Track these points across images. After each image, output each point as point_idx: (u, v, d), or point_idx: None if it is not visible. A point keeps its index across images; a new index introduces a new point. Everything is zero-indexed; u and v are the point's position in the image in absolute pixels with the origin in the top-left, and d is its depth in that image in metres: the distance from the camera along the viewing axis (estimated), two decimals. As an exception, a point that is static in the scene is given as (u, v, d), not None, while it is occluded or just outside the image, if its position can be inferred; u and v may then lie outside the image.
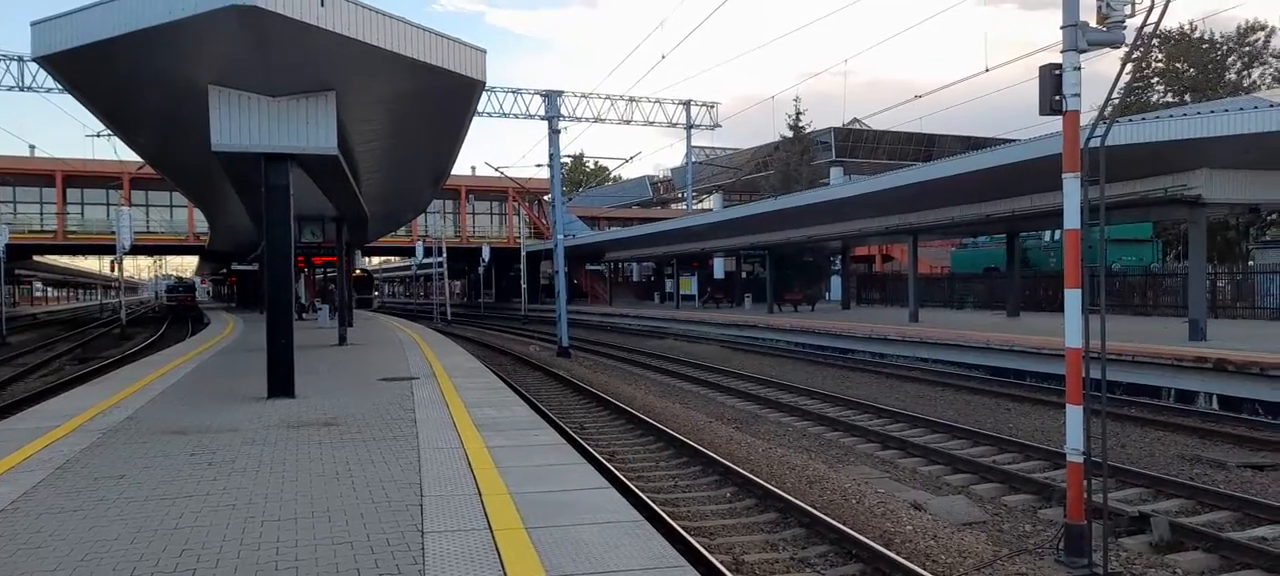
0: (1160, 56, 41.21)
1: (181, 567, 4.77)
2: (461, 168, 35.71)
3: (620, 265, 64.36)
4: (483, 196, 63.09)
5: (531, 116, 39.49)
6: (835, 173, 56.57)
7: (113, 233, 39.68)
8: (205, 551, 5.05)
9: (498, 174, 50.65)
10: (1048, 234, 34.97)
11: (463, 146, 17.32)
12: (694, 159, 57.48)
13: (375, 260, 62.92)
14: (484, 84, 11.73)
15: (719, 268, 53.82)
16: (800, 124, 58.71)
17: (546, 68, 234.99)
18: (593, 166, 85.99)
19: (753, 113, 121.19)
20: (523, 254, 55.92)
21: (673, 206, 78.56)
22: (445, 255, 52.13)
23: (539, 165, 41.30)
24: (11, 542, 5.23)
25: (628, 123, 44.75)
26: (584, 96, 42.91)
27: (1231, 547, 7.55)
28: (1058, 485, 9.10)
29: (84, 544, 5.20)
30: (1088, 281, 7.21)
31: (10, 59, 37.47)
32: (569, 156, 67.93)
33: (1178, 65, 41.52)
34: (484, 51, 11.16)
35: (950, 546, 7.54)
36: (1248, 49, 40.94)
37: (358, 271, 57.81)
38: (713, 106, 48.31)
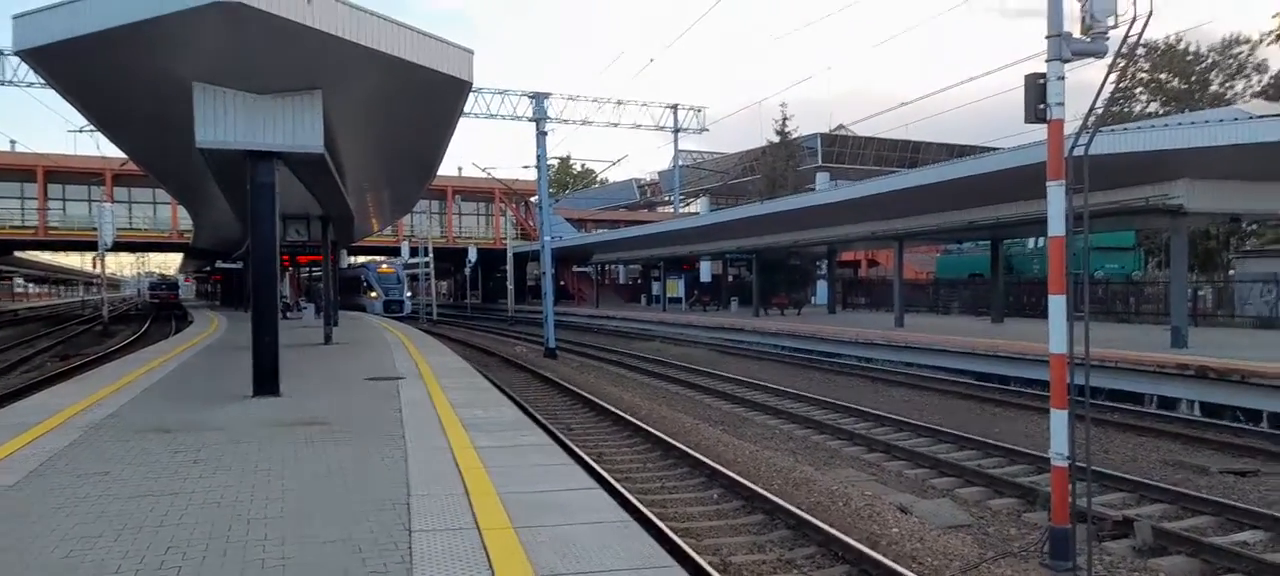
0: (1145, 67, 41.59)
1: (167, 565, 4.74)
2: (448, 168, 35.55)
3: (607, 267, 64.29)
4: (469, 197, 62.94)
5: (519, 118, 39.37)
6: (821, 178, 56.85)
7: (95, 229, 39.30)
8: (190, 549, 5.02)
9: (485, 175, 50.58)
10: (1032, 241, 35.20)
11: (449, 146, 17.28)
12: (681, 162, 57.57)
13: (360, 259, 62.44)
14: (471, 84, 11.70)
15: (706, 271, 53.86)
16: (787, 129, 58.87)
17: (534, 70, 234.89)
18: (580, 169, 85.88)
19: (740, 117, 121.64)
20: (509, 255, 55.78)
21: (659, 210, 78.63)
22: (432, 255, 51.93)
23: (526, 166, 41.31)
24: (-7, 539, 5.17)
25: (615, 125, 44.73)
26: (571, 99, 42.85)
27: (1213, 552, 7.63)
28: (1042, 489, 9.17)
29: (67, 541, 5.15)
30: (1072, 288, 7.27)
31: (-8, 52, 37.01)
32: (556, 158, 67.87)
33: (1162, 76, 41.93)
34: (471, 52, 11.14)
35: (936, 549, 7.59)
36: (1231, 61, 41.40)
37: (348, 269, 57.24)
38: (700, 110, 48.31)
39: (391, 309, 46.82)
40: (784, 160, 58.09)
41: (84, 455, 7.55)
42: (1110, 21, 7.01)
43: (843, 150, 61.08)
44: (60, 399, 11.17)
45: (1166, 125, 17.30)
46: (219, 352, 18.74)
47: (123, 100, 12.15)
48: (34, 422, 9.10)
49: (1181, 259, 19.24)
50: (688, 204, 68.05)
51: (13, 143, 54.49)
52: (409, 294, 50.53)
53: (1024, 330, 22.98)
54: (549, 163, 30.83)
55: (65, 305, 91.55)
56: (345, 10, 9.41)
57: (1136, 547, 7.88)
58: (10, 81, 37.26)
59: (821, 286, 46.63)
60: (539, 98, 29.95)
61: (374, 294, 48.88)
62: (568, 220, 67.48)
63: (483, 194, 62.17)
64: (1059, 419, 7.19)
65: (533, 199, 52.98)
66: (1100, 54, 7.19)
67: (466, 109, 17.42)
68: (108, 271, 45.52)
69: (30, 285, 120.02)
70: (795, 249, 37.08)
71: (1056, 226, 7.23)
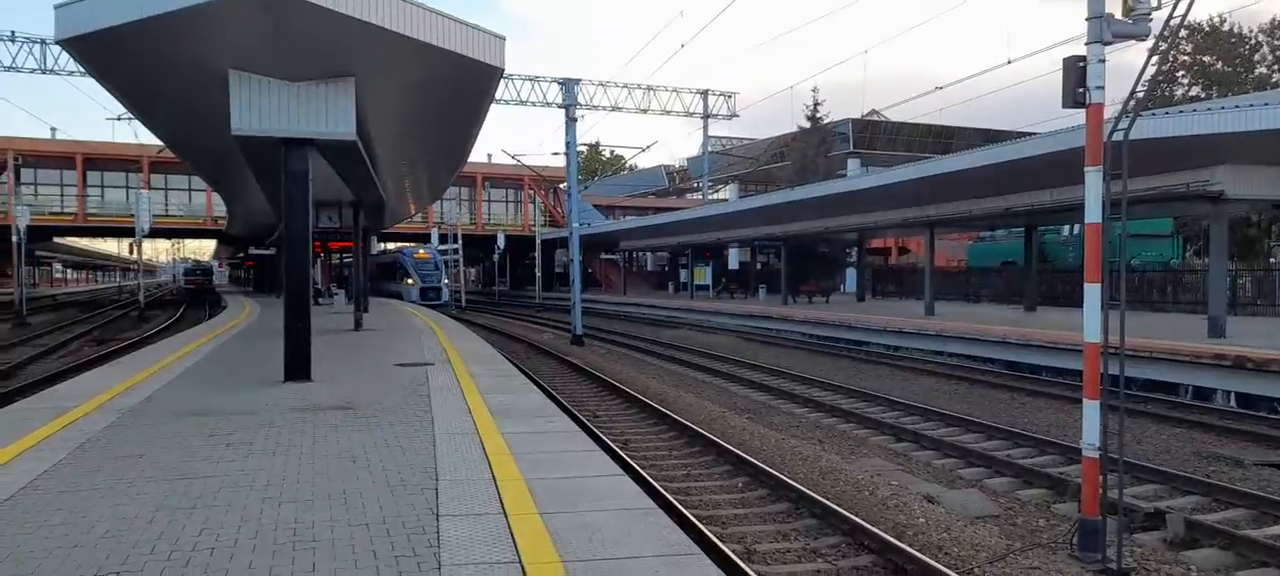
0: (1188, 49, 40.66)
1: (201, 545, 4.84)
2: (478, 155, 35.88)
3: (635, 254, 64.36)
4: (499, 184, 63.21)
5: (549, 104, 39.45)
6: (852, 164, 56.35)
7: (132, 215, 40.03)
8: (224, 530, 5.12)
9: (514, 162, 50.73)
10: (1067, 228, 34.69)
11: (480, 133, 17.35)
12: (710, 149, 57.36)
13: (392, 245, 62.95)
14: (503, 71, 11.72)
15: (734, 258, 53.73)
16: (818, 115, 58.41)
17: (564, 55, 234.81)
18: (609, 155, 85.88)
19: (771, 103, 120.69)
20: (538, 242, 55.99)
21: (688, 196, 78.44)
22: (461, 242, 52.23)
23: (555, 153, 41.47)
24: (34, 519, 5.31)
25: (645, 112, 44.65)
26: (601, 85, 42.86)
27: (1247, 545, 7.50)
28: (1072, 480, 9.07)
29: (104, 520, 5.27)
30: (1108, 276, 7.16)
31: (34, 42, 37.76)
32: (585, 145, 67.89)
33: (1205, 58, 40.99)
34: (503, 38, 11.16)
35: (963, 539, 7.53)
36: (1279, 43, 40.39)
37: (384, 254, 57.36)
38: (730, 96, 48.12)
39: (428, 296, 44.87)
40: (815, 146, 57.68)
41: (121, 438, 7.71)
42: (1153, 2, 6.86)
43: (875, 136, 60.46)
44: (97, 383, 11.41)
45: (1208, 109, 16.92)
46: (251, 338, 19.02)
47: (160, 88, 12.35)
48: (72, 406, 9.30)
49: (1221, 247, 18.88)
50: (717, 190, 67.78)
51: (53, 130, 55.60)
52: (446, 281, 48.45)
53: (1057, 319, 22.68)
54: (578, 149, 30.82)
55: (102, 290, 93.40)
56: (378, -4, 9.47)
57: (1168, 540, 7.77)
58: (52, 70, 38.00)
59: (851, 274, 46.31)
60: (569, 84, 29.93)
61: (411, 281, 46.65)
62: (596, 207, 67.56)
63: (512, 181, 62.41)
64: (1091, 409, 7.10)
65: (562, 185, 53.13)
66: (1142, 36, 7.04)
67: (497, 95, 17.46)
68: (144, 257, 46.31)
69: (69, 271, 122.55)
70: (825, 236, 36.84)
71: (1093, 213, 7.11)
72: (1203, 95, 38.27)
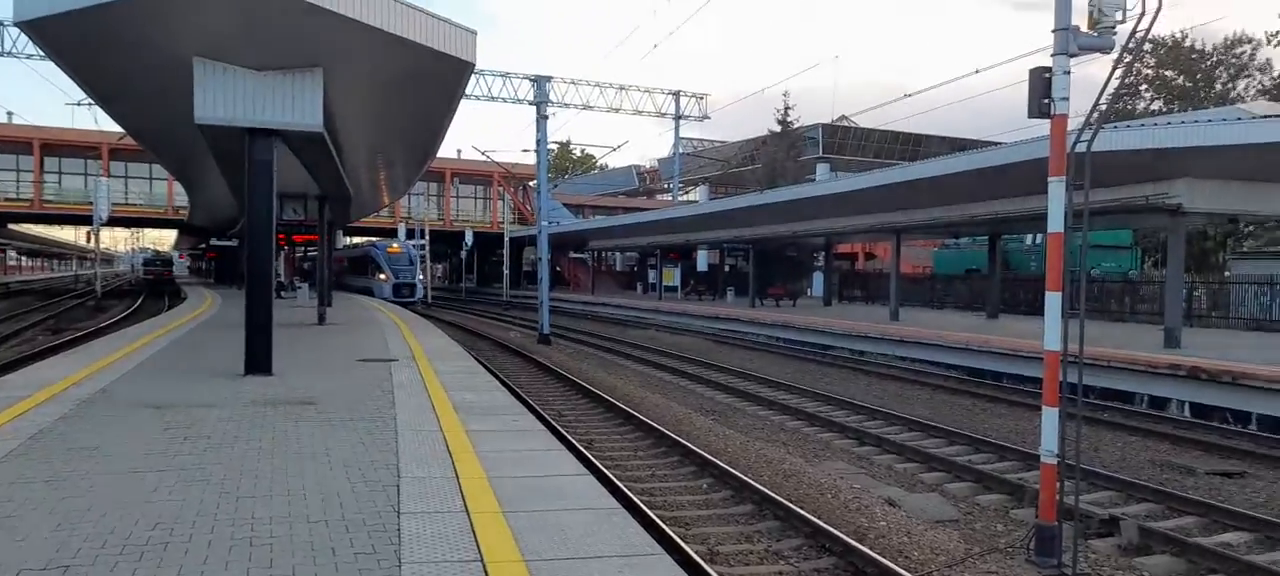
0: (1151, 64, 41.46)
1: (155, 541, 4.74)
2: (447, 150, 35.47)
3: (604, 254, 64.25)
4: (468, 180, 62.78)
5: (520, 101, 39.22)
6: (822, 169, 56.78)
7: (90, 203, 39.18)
8: (179, 525, 5.02)
9: (484, 158, 50.35)
10: (1029, 238, 35.22)
11: (449, 128, 17.23)
12: (682, 150, 57.44)
13: (357, 239, 62.28)
14: (474, 66, 11.67)
15: (702, 260, 53.84)
16: (789, 119, 58.78)
17: (536, 52, 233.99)
18: (579, 154, 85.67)
19: (743, 106, 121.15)
20: (506, 239, 55.74)
21: (658, 197, 78.55)
22: (428, 238, 51.80)
23: (526, 150, 41.19)
24: (-19, 511, 5.17)
25: (616, 111, 44.54)
26: (573, 83, 42.69)
27: (1198, 552, 7.66)
28: (1030, 486, 9.20)
29: (56, 514, 5.15)
30: (1068, 286, 7.27)
31: (-10, 22, 36.80)
32: (556, 143, 67.63)
33: (1167, 73, 41.82)
34: (474, 33, 11.11)
35: (923, 543, 7.61)
36: (1234, 60, 41.33)
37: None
38: (702, 98, 48.16)
39: (402, 293, 42.91)
40: (785, 150, 58.07)
41: (75, 429, 7.55)
42: (1118, 16, 6.98)
43: (845, 141, 61.04)
44: (51, 373, 11.15)
45: (1168, 123, 17.29)
46: (212, 330, 18.71)
47: (122, 74, 12.10)
48: (24, 396, 9.08)
49: (1178, 259, 19.27)
50: (687, 192, 67.95)
51: (10, 114, 54.16)
52: (420, 277, 46.65)
53: (1018, 327, 23.02)
54: (549, 147, 30.72)
55: (58, 279, 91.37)
56: (347, -13, 9.37)
57: (1122, 546, 7.91)
58: (9, 53, 37.05)
59: (818, 278, 46.65)
60: (541, 81, 29.80)
61: (383, 276, 44.55)
62: (566, 205, 67.37)
63: (481, 177, 62.02)
64: (1050, 416, 7.21)
65: (531, 183, 52.90)
66: (1107, 49, 7.16)
67: (467, 91, 17.31)
68: (102, 246, 45.30)
69: (23, 258, 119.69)
70: (793, 240, 37.06)
71: (1056, 223, 7.21)
72: (1164, 110, 39.05)
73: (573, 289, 62.26)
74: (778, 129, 59.04)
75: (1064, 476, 7.18)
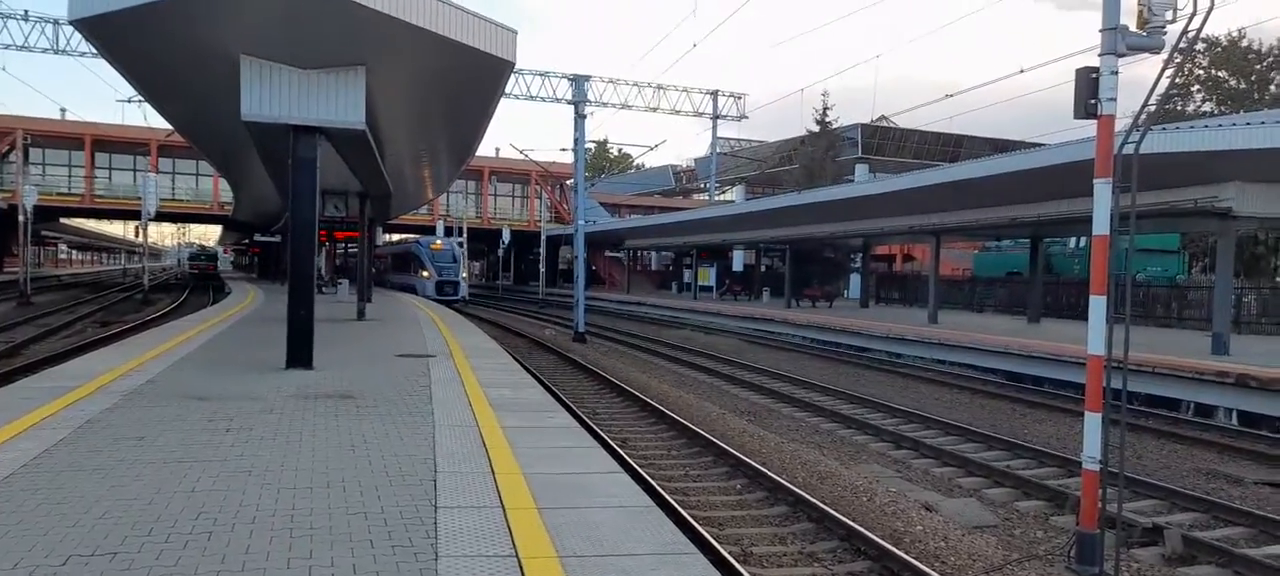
0: (1203, 64, 40.45)
1: (199, 529, 4.84)
2: (485, 149, 35.70)
3: (639, 253, 64.33)
4: (505, 178, 63.23)
5: (558, 100, 39.42)
6: (860, 170, 56.28)
7: (138, 198, 40.08)
8: (222, 514, 5.12)
9: (522, 156, 50.61)
10: (1073, 240, 34.60)
11: (488, 126, 17.35)
12: (719, 150, 57.32)
13: (396, 237, 62.97)
14: (514, 65, 11.73)
15: (738, 260, 53.68)
16: (827, 119, 58.35)
17: (574, 51, 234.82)
18: (616, 153, 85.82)
19: (780, 105, 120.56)
20: (543, 237, 55.99)
21: (695, 197, 78.42)
22: (466, 235, 52.22)
23: (563, 149, 41.35)
24: (33, 497, 5.32)
25: (654, 110, 44.64)
26: (611, 82, 42.87)
27: (1245, 563, 7.48)
28: (1071, 492, 9.04)
29: (104, 501, 5.28)
30: (1113, 290, 7.13)
31: (46, 21, 37.88)
32: (593, 142, 67.78)
33: (1220, 74, 40.78)
34: (515, 32, 11.16)
35: (960, 548, 7.52)
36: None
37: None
38: (740, 98, 48.08)
39: (445, 291, 41.14)
40: (823, 150, 57.64)
41: (121, 420, 7.73)
42: (1168, 15, 6.83)
43: (883, 142, 60.40)
44: (100, 364, 11.43)
45: (1219, 125, 16.87)
46: (254, 324, 19.05)
47: (171, 71, 12.36)
48: (74, 387, 9.32)
49: (1227, 264, 18.82)
50: (723, 192, 67.75)
51: (63, 111, 55.56)
52: (463, 275, 44.27)
53: (1061, 331, 22.64)
54: (586, 146, 30.82)
55: (106, 273, 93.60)
56: (390, -14, 9.48)
57: (1166, 555, 7.75)
58: (64, 50, 38.10)
59: (855, 279, 46.26)
60: (579, 80, 29.94)
61: (426, 273, 42.63)
62: (602, 204, 67.54)
63: (518, 175, 62.42)
64: (1092, 422, 7.08)
65: (568, 182, 53.08)
66: (1156, 49, 7.01)
67: (506, 90, 17.42)
68: (149, 241, 46.32)
69: (74, 252, 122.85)
70: (830, 241, 36.78)
71: (1101, 226, 7.08)
72: (1216, 111, 38.09)
73: (608, 287, 62.40)
74: (816, 129, 58.62)
75: (1106, 483, 7.05)
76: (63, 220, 69.97)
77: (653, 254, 67.21)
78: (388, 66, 11.55)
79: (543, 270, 56.74)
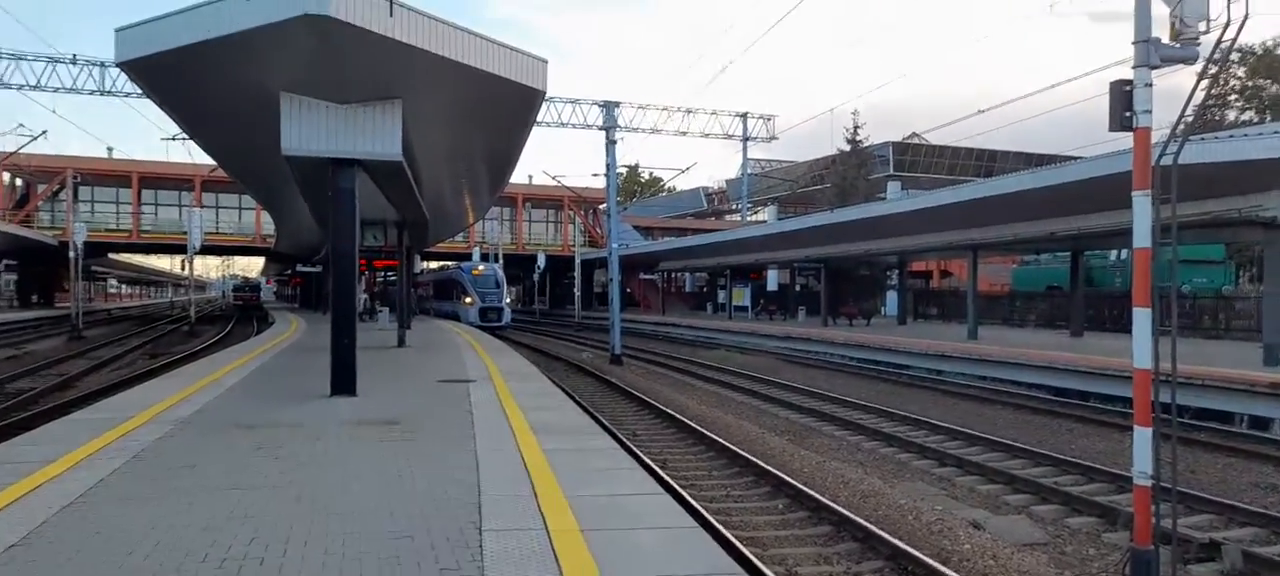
0: (1240, 73, 39.80)
1: (251, 555, 4.94)
2: (519, 176, 36.02)
3: (673, 275, 64.38)
4: (539, 204, 63.72)
5: (589, 126, 39.82)
6: (892, 187, 55.92)
7: (184, 232, 41.03)
8: (273, 541, 5.22)
9: (554, 182, 51.03)
10: (1114, 253, 34.04)
11: (522, 154, 17.55)
12: (750, 171, 57.31)
13: (434, 264, 63.65)
14: (545, 93, 11.90)
15: (773, 280, 53.49)
16: (858, 137, 58.15)
17: (603, 78, 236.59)
18: (648, 177, 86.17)
19: (811, 125, 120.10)
20: (577, 261, 56.22)
21: (727, 218, 78.38)
22: (502, 261, 52.62)
23: (595, 174, 41.75)
24: (89, 526, 5.46)
25: (684, 134, 44.95)
26: (641, 107, 43.22)
27: (1307, 580, 7.28)
28: (1123, 508, 8.87)
29: (157, 530, 5.40)
30: (1157, 302, 7.02)
31: (93, 65, 39.11)
32: (625, 166, 68.19)
33: (1259, 82, 40.07)
34: (545, 61, 11.32)
35: (1010, 567, 7.40)
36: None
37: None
38: (770, 119, 48.29)
39: (489, 318, 39.46)
40: (855, 168, 57.40)
41: (173, 449, 7.90)
42: (1202, 26, 6.75)
43: (915, 159, 60.01)
44: (150, 395, 11.68)
45: (1260, 134, 16.56)
46: (298, 353, 19.35)
47: (213, 108, 12.71)
48: (126, 417, 9.55)
49: (1276, 273, 18.38)
50: (755, 212, 67.66)
51: (110, 149, 57.23)
52: (507, 300, 42.60)
53: (1104, 344, 22.24)
54: (618, 171, 31.00)
55: (154, 305, 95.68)
56: (426, 22, 9.69)
57: (1224, 571, 7.57)
58: (110, 91, 39.31)
59: (892, 297, 45.86)
60: (609, 106, 30.13)
61: (469, 300, 41.29)
62: (635, 227, 67.75)
63: (552, 201, 62.88)
64: (1142, 436, 6.94)
65: (601, 206, 53.33)
66: (1191, 60, 6.92)
67: (538, 118, 17.61)
68: (195, 274, 47.34)
69: (123, 286, 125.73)
70: (865, 258, 36.55)
71: (1142, 238, 6.98)
72: (1256, 119, 37.36)
73: (643, 310, 62.46)
74: (847, 148, 58.42)
75: (1160, 498, 6.91)
76: (111, 255, 71.72)
77: (687, 275, 67.23)
78: (423, 99, 11.76)
79: (578, 293, 56.96)
